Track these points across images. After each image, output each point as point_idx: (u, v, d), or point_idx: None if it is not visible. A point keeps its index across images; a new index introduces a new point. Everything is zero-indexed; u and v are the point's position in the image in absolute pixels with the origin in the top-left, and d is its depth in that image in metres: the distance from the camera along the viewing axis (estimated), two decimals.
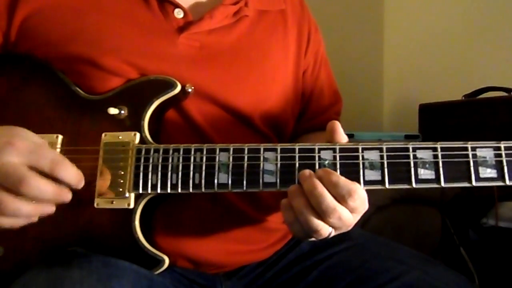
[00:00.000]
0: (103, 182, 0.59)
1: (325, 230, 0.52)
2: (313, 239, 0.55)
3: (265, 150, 0.56)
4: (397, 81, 2.12)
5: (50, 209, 0.54)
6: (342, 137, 0.56)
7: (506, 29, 1.72)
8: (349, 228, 0.54)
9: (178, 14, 0.67)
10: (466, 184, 0.53)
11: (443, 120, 1.61)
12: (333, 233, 0.54)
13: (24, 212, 0.52)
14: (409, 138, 1.63)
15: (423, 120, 1.68)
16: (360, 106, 1.92)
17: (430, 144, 0.54)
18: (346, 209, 0.52)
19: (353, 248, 0.71)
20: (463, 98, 1.60)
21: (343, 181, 0.52)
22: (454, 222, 1.45)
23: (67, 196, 0.54)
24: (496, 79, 1.60)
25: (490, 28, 1.78)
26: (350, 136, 1.36)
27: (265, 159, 0.56)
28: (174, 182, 0.57)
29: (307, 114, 0.82)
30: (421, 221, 1.39)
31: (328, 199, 0.51)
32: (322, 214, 0.51)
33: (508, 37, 1.71)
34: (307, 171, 0.53)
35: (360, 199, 0.52)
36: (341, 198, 0.51)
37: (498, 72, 1.71)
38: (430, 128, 1.65)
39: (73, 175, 0.54)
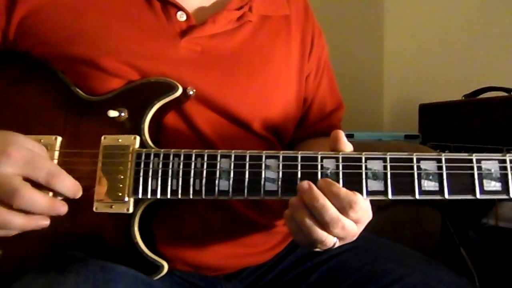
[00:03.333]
0: (102, 186, 0.58)
1: (330, 240, 0.52)
2: (318, 249, 0.54)
3: (267, 157, 0.55)
4: (397, 81, 2.12)
5: (44, 222, 0.54)
6: (346, 146, 0.55)
7: (506, 29, 1.72)
8: (354, 238, 0.54)
9: (181, 17, 0.66)
10: (470, 197, 0.52)
11: (443, 120, 1.61)
12: (338, 244, 0.54)
13: (17, 225, 0.51)
14: (409, 138, 1.63)
15: (423, 120, 1.68)
16: (360, 106, 1.92)
17: (434, 155, 0.53)
18: (348, 219, 0.52)
19: (354, 249, 0.70)
20: (463, 98, 1.60)
21: (344, 192, 0.51)
22: (454, 222, 1.44)
23: (62, 209, 0.54)
24: (496, 79, 1.60)
25: (490, 28, 1.78)
26: (350, 136, 1.36)
27: (267, 167, 0.55)
28: (174, 188, 0.56)
29: (308, 120, 0.81)
30: (421, 221, 1.38)
31: (331, 210, 0.51)
32: (326, 226, 0.51)
33: (508, 37, 1.71)
34: (306, 183, 0.52)
35: (361, 210, 0.52)
36: (342, 210, 0.51)
37: (498, 72, 1.71)
38: (430, 128, 1.65)
39: (69, 187, 0.54)
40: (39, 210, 0.52)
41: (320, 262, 0.70)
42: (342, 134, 0.55)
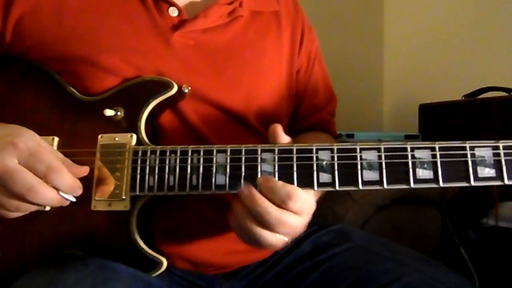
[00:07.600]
0: (100, 184, 0.58)
1: (279, 242, 0.53)
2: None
3: (263, 151, 0.56)
4: (397, 81, 2.12)
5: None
6: (284, 139, 0.56)
7: (506, 29, 1.73)
8: (301, 231, 0.55)
9: (173, 12, 0.67)
10: (464, 184, 0.52)
11: (443, 120, 1.61)
12: (288, 239, 0.54)
13: (27, 210, 0.54)
14: (409, 138, 1.63)
15: (423, 120, 1.69)
16: (360, 106, 1.92)
17: (428, 144, 0.53)
18: (291, 213, 0.52)
19: (354, 249, 0.71)
20: (463, 98, 1.61)
21: (280, 184, 0.52)
22: (454, 222, 1.45)
23: (66, 203, 0.55)
24: (496, 79, 1.60)
25: (490, 28, 1.78)
26: (350, 136, 1.36)
27: (263, 160, 0.55)
28: (171, 183, 0.57)
29: (300, 113, 0.82)
30: (421, 221, 1.38)
31: (273, 212, 0.51)
32: (271, 228, 0.52)
33: (508, 37, 1.72)
34: (245, 188, 0.53)
35: (301, 200, 0.52)
36: (281, 203, 0.52)
37: (498, 72, 1.71)
38: (430, 128, 1.65)
39: (68, 184, 0.54)
40: (50, 205, 0.54)
41: (320, 262, 0.70)
42: (280, 128, 0.56)
